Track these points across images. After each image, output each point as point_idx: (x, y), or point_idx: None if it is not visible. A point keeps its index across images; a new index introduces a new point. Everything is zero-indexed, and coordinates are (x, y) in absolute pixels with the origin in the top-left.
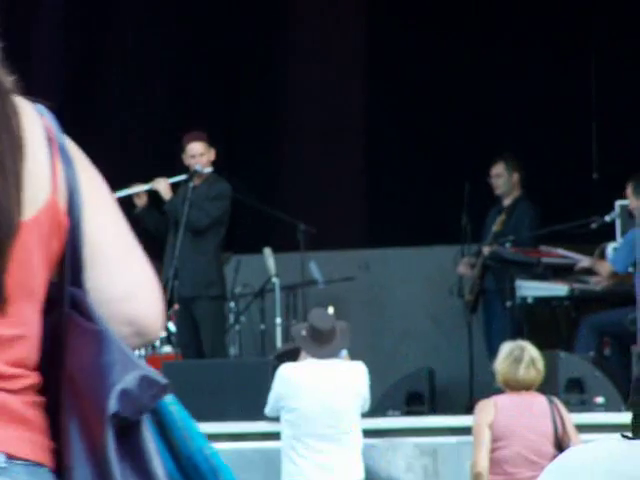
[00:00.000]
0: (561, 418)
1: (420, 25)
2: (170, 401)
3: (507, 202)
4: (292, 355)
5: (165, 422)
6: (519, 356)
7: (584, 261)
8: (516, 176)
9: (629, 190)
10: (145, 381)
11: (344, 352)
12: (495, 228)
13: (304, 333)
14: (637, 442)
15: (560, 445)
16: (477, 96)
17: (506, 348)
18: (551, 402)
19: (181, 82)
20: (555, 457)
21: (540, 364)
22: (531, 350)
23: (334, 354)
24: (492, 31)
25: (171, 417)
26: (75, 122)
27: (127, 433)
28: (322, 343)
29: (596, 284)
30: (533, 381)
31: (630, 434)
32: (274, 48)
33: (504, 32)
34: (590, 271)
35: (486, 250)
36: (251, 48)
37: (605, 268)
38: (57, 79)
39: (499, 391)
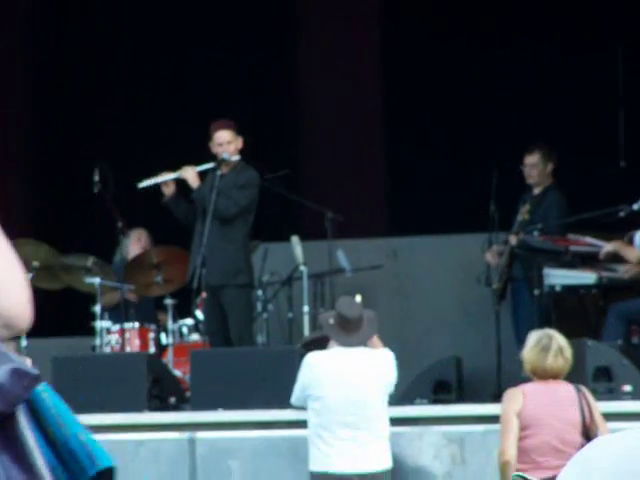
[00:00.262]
0: (589, 406)
1: (444, 10)
2: (42, 389)
3: (537, 191)
4: (319, 343)
5: (38, 410)
6: (547, 345)
7: (608, 246)
8: (550, 166)
9: None
10: (16, 374)
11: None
12: (520, 217)
13: (332, 321)
14: None
15: (587, 434)
16: (505, 83)
17: (534, 337)
18: (579, 390)
19: (208, 70)
20: (583, 446)
21: (568, 353)
22: (559, 339)
23: (362, 342)
24: (520, 18)
25: (44, 404)
26: (106, 113)
27: (4, 425)
28: (350, 331)
29: (624, 272)
30: (561, 370)
31: None
32: (295, 38)
33: (532, 20)
34: (618, 259)
35: (513, 239)
36: (274, 36)
37: (633, 253)
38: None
39: (527, 380)
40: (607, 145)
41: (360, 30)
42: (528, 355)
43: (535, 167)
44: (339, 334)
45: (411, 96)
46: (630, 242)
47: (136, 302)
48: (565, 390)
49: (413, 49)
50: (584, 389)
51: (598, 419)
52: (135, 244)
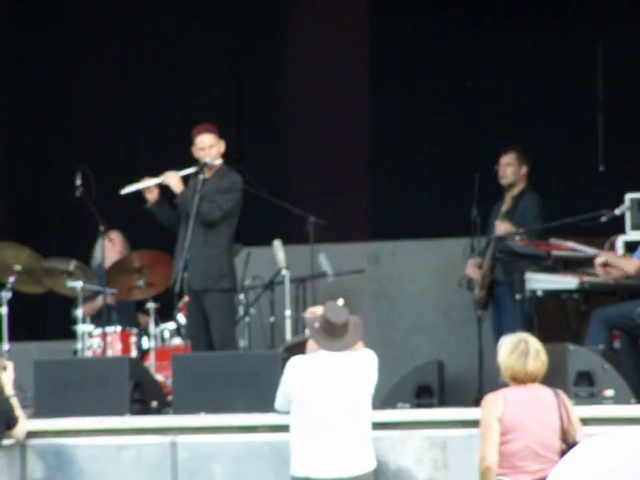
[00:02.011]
0: (566, 410)
1: (427, 16)
2: None
3: (512, 194)
4: (301, 347)
5: None
6: (525, 349)
7: (602, 257)
8: (524, 169)
9: None
10: None
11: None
12: (504, 207)
13: (317, 325)
14: None
15: (565, 438)
16: (485, 88)
17: (509, 342)
18: (556, 394)
19: (191, 75)
20: (562, 450)
21: (544, 355)
22: (534, 342)
23: (346, 348)
24: (499, 22)
25: None
26: (89, 117)
27: None
28: (335, 337)
29: (604, 275)
30: (540, 372)
31: None
32: (280, 41)
33: (511, 23)
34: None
35: (500, 227)
36: (259, 39)
37: (632, 264)
38: None
39: (503, 385)
40: (586, 149)
41: (348, 34)
42: (508, 361)
43: (510, 166)
44: (324, 339)
45: (395, 101)
46: (612, 248)
47: (114, 305)
48: (544, 394)
49: (399, 56)
50: (561, 393)
51: (575, 423)
52: (108, 247)
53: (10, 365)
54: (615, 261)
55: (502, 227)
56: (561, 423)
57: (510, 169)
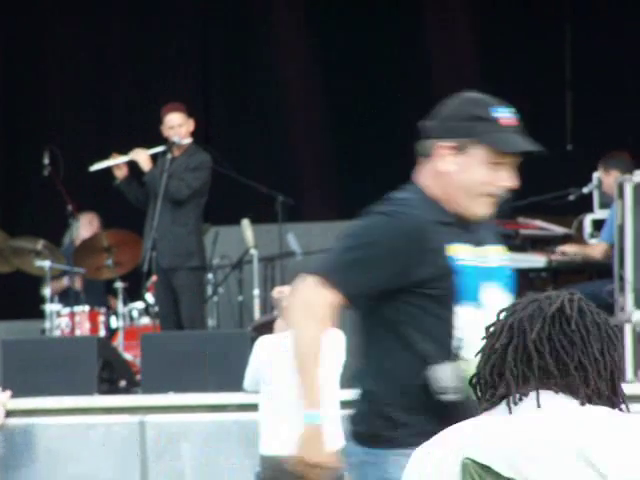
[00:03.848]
0: None
1: None
2: None
3: None
4: (270, 327)
5: None
6: None
7: (568, 248)
8: None
9: (600, 169)
10: None
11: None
12: None
13: (285, 304)
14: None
15: None
16: (453, 65)
17: None
18: None
19: (159, 53)
20: None
21: None
22: None
23: None
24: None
25: None
26: (57, 96)
27: None
28: None
29: (573, 255)
30: None
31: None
32: (247, 20)
33: (478, 1)
34: (566, 242)
35: None
36: (226, 18)
37: (599, 249)
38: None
39: None
40: (554, 128)
41: (314, 16)
42: None
43: None
44: None
45: (352, 79)
46: (580, 226)
47: (81, 289)
48: None
49: (352, 36)
50: None
51: None
52: (86, 228)
53: None
54: (581, 252)
55: None
56: None
57: None
